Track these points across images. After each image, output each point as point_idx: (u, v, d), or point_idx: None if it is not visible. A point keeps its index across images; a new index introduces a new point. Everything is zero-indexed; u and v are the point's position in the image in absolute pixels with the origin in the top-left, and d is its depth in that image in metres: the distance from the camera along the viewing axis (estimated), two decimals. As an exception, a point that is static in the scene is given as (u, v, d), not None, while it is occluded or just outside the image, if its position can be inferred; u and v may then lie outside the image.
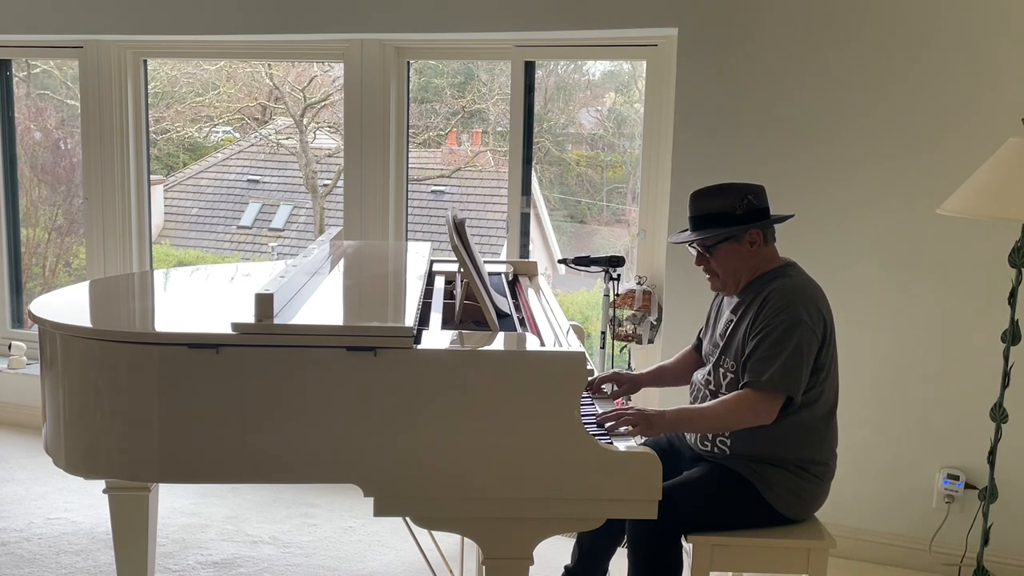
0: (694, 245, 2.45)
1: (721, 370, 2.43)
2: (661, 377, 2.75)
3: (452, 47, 3.93)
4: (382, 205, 4.02)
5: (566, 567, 2.67)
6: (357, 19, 3.78)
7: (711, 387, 2.45)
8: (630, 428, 2.25)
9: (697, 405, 2.41)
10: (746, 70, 3.28)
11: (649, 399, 3.53)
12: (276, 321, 2.02)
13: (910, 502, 3.30)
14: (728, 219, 2.37)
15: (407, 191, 4.13)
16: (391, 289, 2.61)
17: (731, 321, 2.44)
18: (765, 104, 3.28)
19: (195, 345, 1.99)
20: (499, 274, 3.06)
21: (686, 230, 2.48)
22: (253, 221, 7.97)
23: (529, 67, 3.80)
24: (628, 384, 2.69)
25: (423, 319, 2.29)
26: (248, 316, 2.03)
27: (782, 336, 2.27)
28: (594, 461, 2.00)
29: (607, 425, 2.26)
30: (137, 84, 4.38)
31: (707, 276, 2.48)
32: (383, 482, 2.02)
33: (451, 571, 2.92)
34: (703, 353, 2.63)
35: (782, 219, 2.44)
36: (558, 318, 2.53)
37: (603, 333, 3.46)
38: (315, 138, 7.18)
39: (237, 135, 8.03)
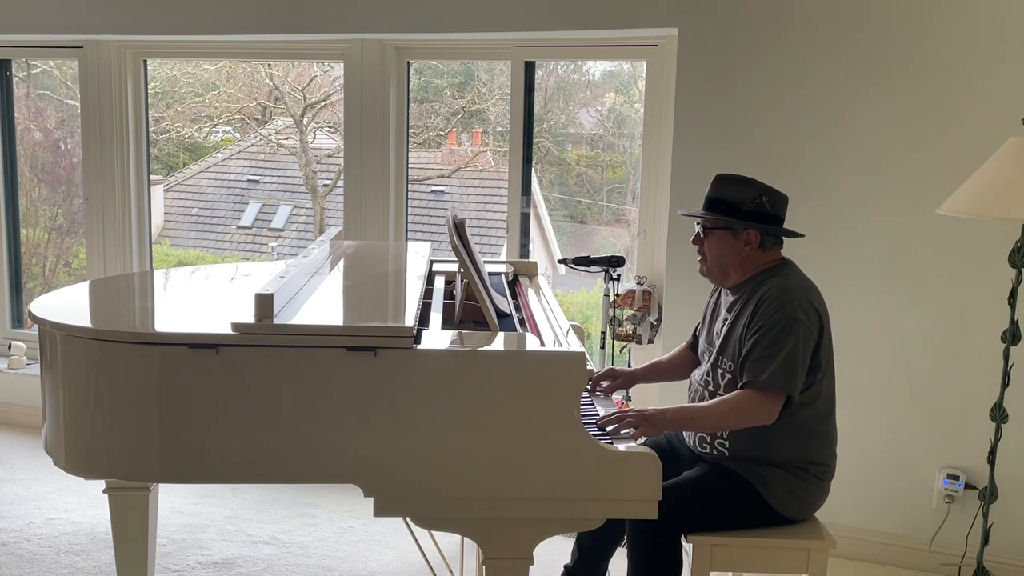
0: (698, 222, 2.48)
1: (719, 370, 2.43)
2: (656, 372, 2.76)
3: (452, 47, 3.93)
4: (382, 205, 4.02)
5: (566, 566, 2.67)
6: (357, 19, 3.78)
7: (710, 387, 2.46)
8: (632, 431, 2.25)
9: (698, 404, 2.42)
10: (746, 70, 3.28)
11: (648, 396, 3.53)
12: (276, 321, 2.02)
13: (910, 502, 3.30)
14: (733, 210, 2.38)
15: (407, 191, 4.13)
16: (391, 289, 2.61)
17: (727, 320, 2.44)
18: (765, 104, 3.28)
19: (195, 345, 1.99)
20: (499, 274, 3.06)
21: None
22: (253, 221, 7.97)
23: (529, 67, 3.80)
24: (623, 379, 2.69)
25: (423, 319, 2.30)
26: (248, 316, 2.03)
27: (779, 335, 2.27)
28: (594, 461, 2.00)
29: (609, 428, 2.26)
30: (137, 84, 4.38)
31: (699, 259, 2.50)
32: (383, 482, 2.02)
33: (451, 571, 2.92)
34: (699, 351, 2.63)
35: (787, 233, 2.44)
36: (558, 318, 2.53)
37: (603, 333, 3.46)
38: (315, 138, 7.18)
39: (237, 135, 8.03)
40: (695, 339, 2.70)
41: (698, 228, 2.48)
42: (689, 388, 2.59)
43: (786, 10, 3.21)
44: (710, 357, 2.48)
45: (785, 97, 3.25)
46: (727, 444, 2.39)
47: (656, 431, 2.31)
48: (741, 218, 2.38)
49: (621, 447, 2.05)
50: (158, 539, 3.30)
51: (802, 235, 2.48)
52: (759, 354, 2.29)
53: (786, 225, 2.46)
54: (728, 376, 2.39)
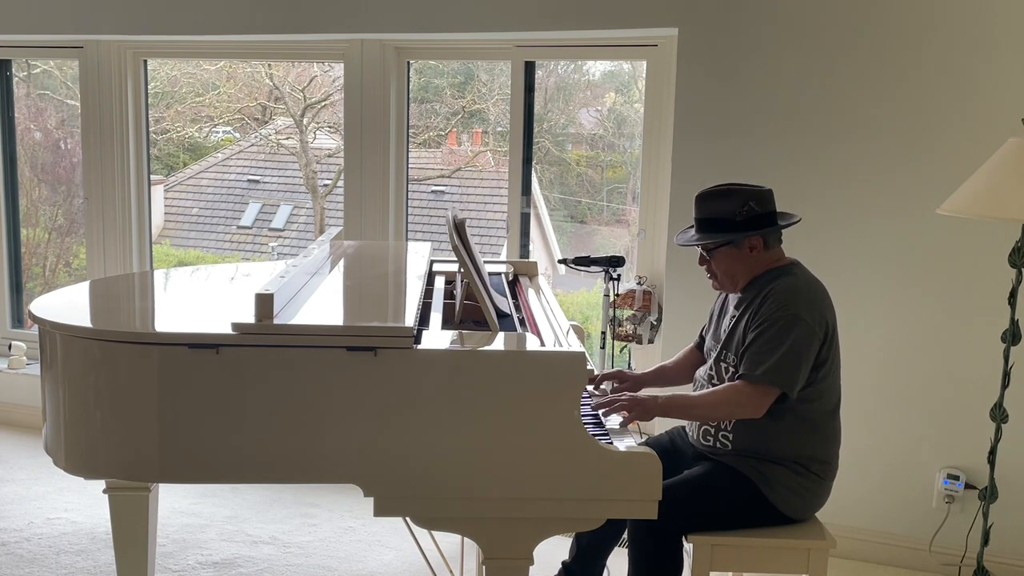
0: (698, 247, 2.47)
1: (723, 364, 2.44)
2: (663, 376, 2.76)
3: (452, 47, 3.93)
4: (382, 205, 4.02)
5: (563, 563, 2.68)
6: (357, 19, 3.78)
7: (713, 382, 2.46)
8: (625, 415, 2.27)
9: (690, 393, 2.43)
10: (746, 70, 3.28)
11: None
12: (276, 321, 2.02)
13: (910, 502, 3.30)
14: (728, 225, 2.37)
15: (407, 191, 4.13)
16: (391, 289, 2.61)
17: (734, 317, 2.45)
18: (765, 104, 3.28)
19: (195, 345, 1.99)
20: (499, 274, 3.06)
21: (691, 227, 2.50)
22: (253, 221, 7.97)
23: (529, 67, 3.80)
24: (630, 382, 2.69)
25: (423, 319, 2.30)
26: (248, 316, 2.03)
27: (780, 332, 2.28)
28: (594, 461, 2.00)
29: (602, 412, 2.29)
30: (137, 84, 4.38)
31: (708, 276, 2.50)
32: (383, 482, 2.02)
33: (451, 571, 2.92)
34: (705, 349, 2.64)
35: (785, 225, 2.44)
36: (558, 318, 2.53)
37: (603, 333, 3.46)
38: (315, 138, 7.18)
39: (237, 135, 8.03)
40: (701, 340, 2.70)
41: (700, 251, 2.47)
42: (694, 384, 2.60)
43: (786, 10, 3.21)
44: (715, 352, 2.49)
45: (785, 97, 3.25)
46: (731, 437, 2.40)
47: (647, 416, 2.33)
48: (737, 230, 2.37)
49: (621, 447, 2.05)
50: (158, 539, 3.30)
51: (799, 219, 2.48)
52: (757, 348, 2.30)
53: (782, 211, 2.46)
54: (732, 370, 2.40)
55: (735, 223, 2.37)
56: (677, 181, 3.40)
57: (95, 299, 2.59)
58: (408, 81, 4.05)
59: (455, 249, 2.27)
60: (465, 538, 2.60)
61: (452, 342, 2.07)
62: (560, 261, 3.54)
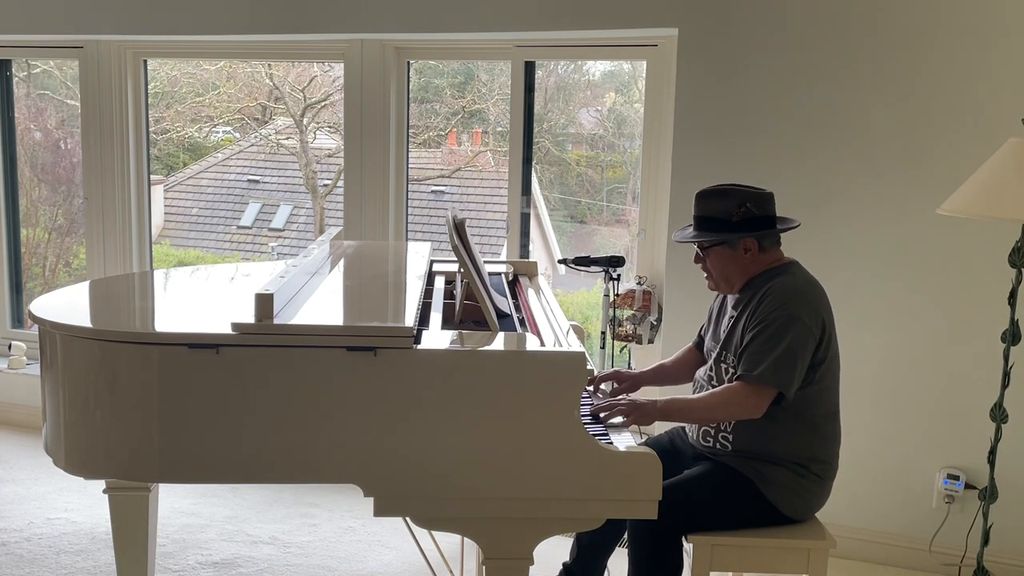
0: (694, 244, 2.48)
1: (723, 365, 2.44)
2: (661, 375, 2.76)
3: (452, 47, 3.93)
4: (382, 205, 4.02)
5: (564, 564, 2.68)
6: (357, 19, 3.78)
7: (713, 382, 2.46)
8: (623, 419, 2.28)
9: (688, 396, 2.43)
10: (746, 70, 3.28)
11: (651, 395, 3.52)
12: (276, 321, 2.02)
13: (910, 502, 3.30)
14: (723, 225, 2.37)
15: (407, 191, 4.13)
16: (391, 289, 2.61)
17: (732, 317, 2.45)
18: (765, 104, 3.28)
19: (195, 345, 1.99)
20: (499, 274, 3.06)
21: (691, 225, 2.50)
22: (253, 221, 7.97)
23: (529, 67, 3.80)
24: (629, 382, 2.69)
25: (423, 319, 2.30)
26: (248, 316, 2.03)
27: (777, 332, 2.28)
28: (594, 461, 2.00)
29: (602, 415, 2.29)
30: (137, 84, 4.38)
31: (705, 276, 2.50)
32: (383, 482, 2.02)
33: (451, 571, 2.92)
34: (705, 349, 2.64)
35: (782, 230, 2.44)
36: (558, 318, 2.53)
37: (603, 333, 3.46)
38: (315, 138, 7.18)
39: (237, 135, 8.03)
40: (700, 339, 2.70)
41: (696, 248, 2.48)
42: (694, 384, 2.59)
43: (786, 10, 3.21)
44: (715, 353, 2.49)
45: (785, 97, 3.25)
46: (730, 438, 2.40)
47: (647, 420, 2.34)
48: (732, 230, 2.37)
49: (621, 447, 2.05)
50: (158, 539, 3.30)
51: (798, 224, 2.48)
52: (755, 348, 2.30)
53: (782, 216, 2.46)
54: (732, 370, 2.40)
55: (731, 223, 2.37)
56: (677, 181, 3.41)
57: (95, 299, 2.59)
58: (408, 81, 4.05)
59: (455, 249, 2.27)
60: (465, 538, 2.60)
61: (452, 342, 2.07)
62: (560, 261, 3.54)
